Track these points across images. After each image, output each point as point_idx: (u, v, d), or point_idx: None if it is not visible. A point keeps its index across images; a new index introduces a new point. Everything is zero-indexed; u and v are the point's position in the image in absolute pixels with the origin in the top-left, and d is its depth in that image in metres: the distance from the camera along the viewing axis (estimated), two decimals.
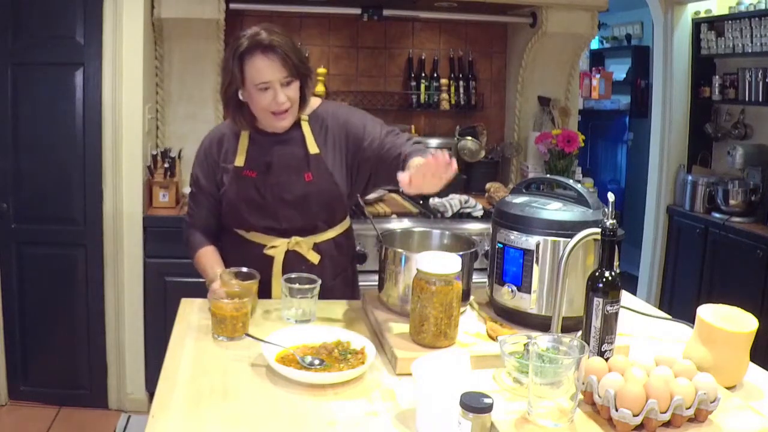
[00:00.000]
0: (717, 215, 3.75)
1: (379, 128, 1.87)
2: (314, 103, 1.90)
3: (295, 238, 1.87)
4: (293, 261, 1.87)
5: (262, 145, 1.85)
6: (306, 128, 1.85)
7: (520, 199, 1.64)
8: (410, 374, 1.26)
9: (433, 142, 3.68)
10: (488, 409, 1.07)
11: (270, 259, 1.87)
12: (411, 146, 1.80)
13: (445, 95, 3.74)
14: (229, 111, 1.84)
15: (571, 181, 1.64)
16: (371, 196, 3.16)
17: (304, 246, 1.87)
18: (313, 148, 1.84)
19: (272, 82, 1.71)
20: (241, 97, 1.78)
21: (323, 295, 1.81)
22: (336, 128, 1.87)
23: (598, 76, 5.63)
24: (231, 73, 1.74)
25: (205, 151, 1.92)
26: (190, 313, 1.71)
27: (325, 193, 1.85)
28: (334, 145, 1.86)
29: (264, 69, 1.70)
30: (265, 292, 1.81)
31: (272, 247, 1.87)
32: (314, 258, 1.89)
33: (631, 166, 5.88)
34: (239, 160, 1.85)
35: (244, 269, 1.72)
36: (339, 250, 1.95)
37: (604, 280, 1.32)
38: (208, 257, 1.87)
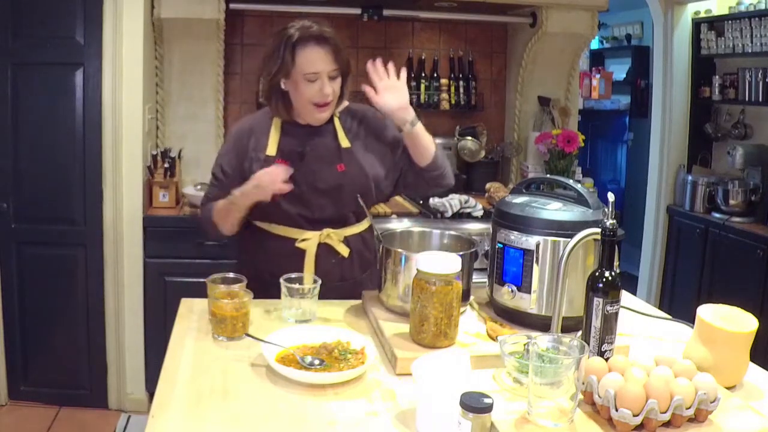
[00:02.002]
0: (717, 215, 3.75)
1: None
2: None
3: (326, 230, 1.87)
4: (322, 255, 1.87)
5: (294, 135, 1.88)
6: (338, 123, 1.91)
7: (520, 199, 1.64)
8: (410, 374, 1.26)
9: None
10: (488, 409, 1.07)
11: (298, 255, 1.86)
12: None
13: (445, 95, 3.73)
14: (271, 98, 1.87)
15: (571, 181, 1.64)
16: None
17: (335, 238, 1.88)
18: (344, 142, 1.89)
19: (321, 73, 1.77)
20: (283, 86, 1.81)
21: (354, 289, 1.83)
22: (364, 124, 1.94)
23: (598, 76, 5.62)
24: (282, 61, 1.78)
25: (235, 139, 1.93)
26: (190, 313, 1.71)
27: (358, 183, 1.87)
28: (364, 141, 1.92)
29: (316, 59, 1.77)
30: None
31: (303, 240, 1.87)
32: (344, 251, 1.90)
33: (631, 166, 5.88)
34: (271, 150, 1.87)
35: (231, 274, 1.68)
36: (366, 246, 1.97)
37: (604, 280, 1.32)
38: (219, 201, 1.88)
